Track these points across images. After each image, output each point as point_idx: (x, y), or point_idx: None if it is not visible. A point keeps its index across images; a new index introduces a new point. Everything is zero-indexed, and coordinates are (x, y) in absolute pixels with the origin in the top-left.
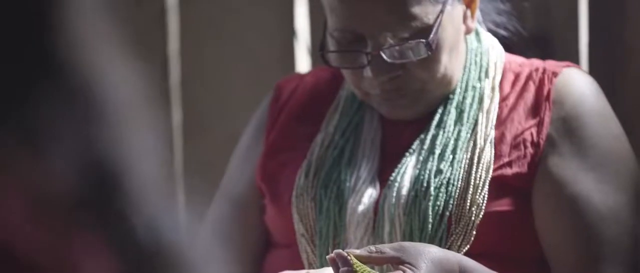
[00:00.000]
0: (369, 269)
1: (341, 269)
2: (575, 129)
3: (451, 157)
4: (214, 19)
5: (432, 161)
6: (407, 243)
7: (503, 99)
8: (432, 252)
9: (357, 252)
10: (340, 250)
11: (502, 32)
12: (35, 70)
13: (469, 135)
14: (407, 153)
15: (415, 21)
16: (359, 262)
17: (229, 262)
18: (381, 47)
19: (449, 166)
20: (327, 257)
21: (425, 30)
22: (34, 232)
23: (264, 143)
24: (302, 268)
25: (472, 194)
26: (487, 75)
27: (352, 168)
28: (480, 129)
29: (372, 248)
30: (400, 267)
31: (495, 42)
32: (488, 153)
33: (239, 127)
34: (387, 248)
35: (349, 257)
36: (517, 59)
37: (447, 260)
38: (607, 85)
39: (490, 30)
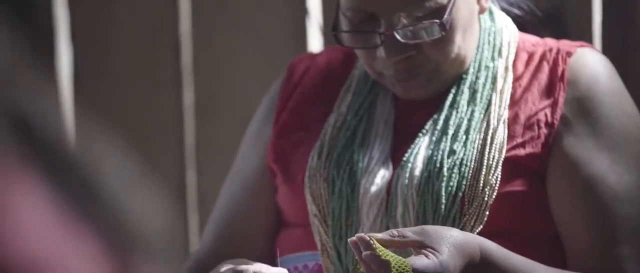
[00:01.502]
0: (391, 253)
1: (364, 253)
2: (589, 109)
3: (464, 137)
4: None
5: (445, 142)
6: (429, 227)
7: (516, 79)
8: (454, 235)
9: (379, 235)
10: (362, 234)
11: (516, 11)
12: None
13: (482, 115)
14: (420, 134)
15: (429, 1)
16: (381, 246)
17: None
18: (394, 27)
19: (462, 147)
20: (348, 240)
21: (439, 10)
22: None
23: (275, 123)
24: (316, 248)
25: (485, 175)
26: (500, 55)
27: (364, 149)
28: (494, 109)
29: (394, 232)
30: (423, 251)
31: (508, 21)
32: (501, 134)
33: (251, 108)
34: (409, 232)
35: (371, 241)
36: (531, 39)
37: (468, 243)
38: (620, 65)
39: (503, 9)
